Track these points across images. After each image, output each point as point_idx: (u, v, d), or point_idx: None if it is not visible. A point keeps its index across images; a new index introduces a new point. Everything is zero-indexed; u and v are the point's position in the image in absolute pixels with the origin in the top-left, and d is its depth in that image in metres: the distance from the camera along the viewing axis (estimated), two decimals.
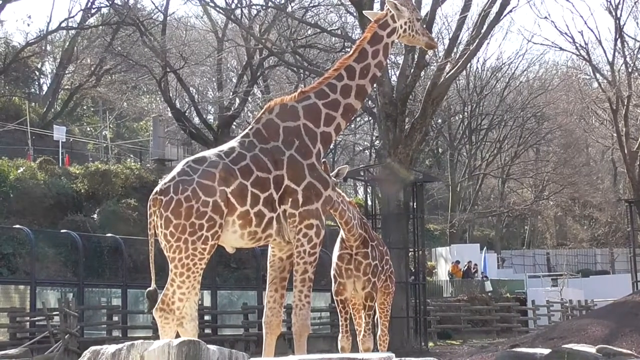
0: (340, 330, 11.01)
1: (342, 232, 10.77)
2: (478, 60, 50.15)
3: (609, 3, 37.92)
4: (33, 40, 47.95)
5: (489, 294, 37.35)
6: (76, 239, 25.21)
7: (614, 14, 38.02)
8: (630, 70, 39.82)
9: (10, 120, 43.94)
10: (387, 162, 25.20)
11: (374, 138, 51.07)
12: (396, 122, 25.12)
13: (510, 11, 27.10)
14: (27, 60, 49.57)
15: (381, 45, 8.87)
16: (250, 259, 29.03)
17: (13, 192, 31.77)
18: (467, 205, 51.90)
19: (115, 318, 24.99)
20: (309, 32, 37.47)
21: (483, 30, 26.17)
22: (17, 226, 25.82)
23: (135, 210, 32.32)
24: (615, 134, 40.16)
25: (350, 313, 11.14)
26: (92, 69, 47.53)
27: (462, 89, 50.57)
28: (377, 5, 24.83)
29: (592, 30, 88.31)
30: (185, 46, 39.63)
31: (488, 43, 50.30)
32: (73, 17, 46.35)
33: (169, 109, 42.47)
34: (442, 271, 44.48)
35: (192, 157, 8.40)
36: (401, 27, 8.96)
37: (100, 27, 45.88)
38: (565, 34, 59.39)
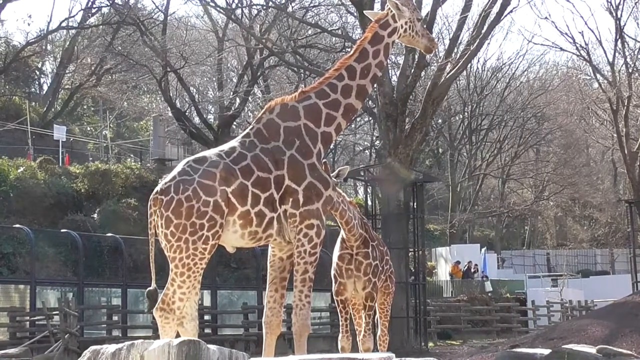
0: (341, 330, 11.00)
1: (342, 232, 10.77)
2: (478, 61, 50.24)
3: (609, 3, 37.98)
4: (33, 40, 47.98)
5: (489, 294, 37.35)
6: (76, 238, 25.20)
7: (614, 14, 38.05)
8: (630, 70, 39.83)
9: (10, 119, 43.93)
10: (387, 162, 25.20)
11: (374, 138, 51.07)
12: (396, 122, 25.12)
13: (511, 11, 27.13)
14: (27, 59, 49.59)
15: (382, 45, 8.85)
16: (251, 258, 29.03)
17: (13, 191, 31.77)
18: (467, 205, 51.90)
19: (115, 318, 24.99)
20: (310, 32, 37.47)
21: (483, 31, 26.16)
22: (17, 226, 25.82)
23: (136, 209, 32.33)
24: (615, 135, 40.15)
25: (351, 313, 11.14)
26: (93, 68, 47.54)
27: (462, 89, 50.57)
28: (377, 5, 24.83)
29: (592, 31, 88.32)
30: (186, 46, 39.63)
31: (488, 43, 50.49)
32: (73, 16, 46.46)
33: (169, 109, 42.48)
34: (442, 271, 44.48)
35: (193, 157, 8.40)
36: (402, 27, 8.94)
37: (101, 26, 45.90)
38: (566, 34, 59.45)
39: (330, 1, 38.39)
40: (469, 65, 40.16)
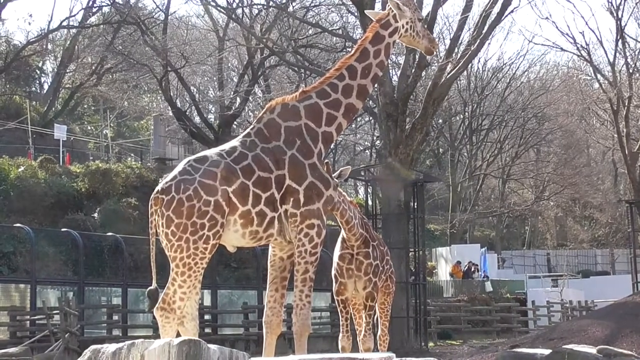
0: (341, 330, 11.00)
1: (343, 231, 10.76)
2: (479, 61, 50.29)
3: (610, 4, 37.98)
4: (34, 39, 47.99)
5: (490, 294, 37.37)
6: (76, 237, 25.20)
7: (615, 14, 38.06)
8: (631, 71, 39.85)
9: (11, 118, 43.94)
10: (387, 162, 25.20)
11: (374, 138, 51.06)
12: (397, 122, 25.11)
13: (512, 12, 27.05)
14: (28, 58, 49.64)
15: (383, 45, 8.85)
16: (251, 258, 29.02)
17: (14, 190, 31.79)
18: (467, 205, 51.92)
19: (116, 317, 25.00)
20: (310, 31, 37.49)
21: (484, 31, 26.16)
22: (18, 225, 25.84)
23: (136, 209, 32.35)
24: (616, 135, 40.16)
25: (351, 313, 11.14)
26: (93, 67, 47.57)
27: (463, 89, 50.60)
28: (378, 5, 24.82)
29: (593, 31, 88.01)
30: (187, 45, 39.61)
31: (489, 43, 50.56)
32: (74, 16, 46.51)
33: (169, 108, 42.47)
34: (443, 271, 44.50)
35: (194, 157, 8.40)
36: (403, 26, 8.93)
37: (102, 26, 45.90)
38: (567, 34, 59.75)
39: (331, 1, 38.39)
40: (469, 65, 40.16)
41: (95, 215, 32.96)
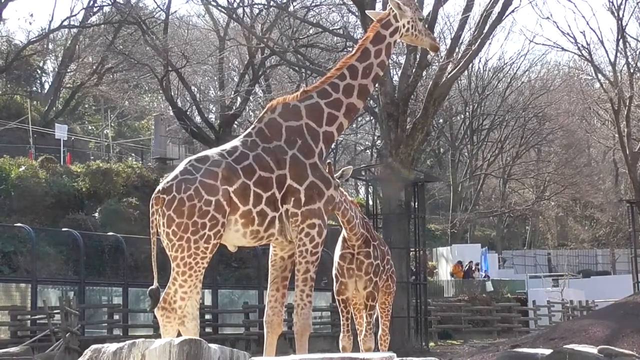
0: (342, 330, 10.99)
1: (344, 231, 10.76)
2: (480, 60, 50.27)
3: (611, 4, 37.91)
4: (35, 39, 48.00)
5: (490, 294, 37.35)
6: (77, 237, 25.18)
7: (616, 14, 38.00)
8: (632, 70, 39.79)
9: (11, 118, 43.94)
10: (388, 161, 25.19)
11: (375, 138, 51.03)
12: (398, 121, 25.10)
13: (513, 11, 27.01)
14: (29, 58, 49.61)
15: (384, 44, 8.86)
16: (252, 258, 29.01)
17: (14, 190, 31.79)
18: (468, 205, 51.90)
19: (116, 317, 24.99)
20: (311, 31, 37.47)
21: (485, 31, 26.14)
22: (19, 224, 25.84)
23: (137, 209, 32.33)
24: (616, 135, 40.12)
25: (352, 313, 11.13)
26: (94, 67, 47.56)
27: (463, 89, 50.59)
28: (379, 5, 24.81)
29: (594, 31, 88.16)
30: (187, 45, 39.58)
31: (490, 43, 50.37)
32: (75, 15, 46.45)
33: (170, 108, 42.44)
34: (443, 271, 44.48)
35: (195, 156, 8.41)
36: (404, 26, 8.94)
37: (102, 25, 45.86)
38: (567, 34, 59.58)
39: (331, 1, 38.39)
40: (470, 65, 40.14)
41: (96, 215, 32.95)
